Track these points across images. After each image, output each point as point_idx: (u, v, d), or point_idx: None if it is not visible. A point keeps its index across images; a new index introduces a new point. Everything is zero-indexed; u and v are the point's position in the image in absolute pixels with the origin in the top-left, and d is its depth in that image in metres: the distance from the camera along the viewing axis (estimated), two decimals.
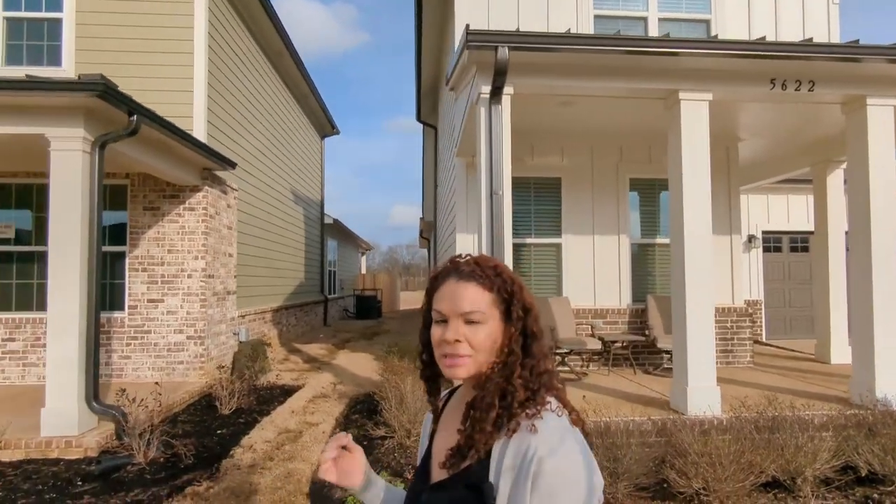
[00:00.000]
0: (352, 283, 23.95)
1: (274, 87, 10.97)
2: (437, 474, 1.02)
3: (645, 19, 7.50)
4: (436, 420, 1.15)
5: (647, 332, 6.89)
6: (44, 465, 4.36)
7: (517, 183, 7.20)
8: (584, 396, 4.97)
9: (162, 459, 4.47)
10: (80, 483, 4.06)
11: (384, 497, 1.18)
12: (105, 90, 4.36)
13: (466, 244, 7.10)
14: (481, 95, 4.53)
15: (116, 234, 7.19)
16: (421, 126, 15.12)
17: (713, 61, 4.58)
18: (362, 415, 5.82)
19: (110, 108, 4.70)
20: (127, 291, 7.14)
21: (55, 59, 7.22)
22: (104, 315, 7.03)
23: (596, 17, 7.41)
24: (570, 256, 7.29)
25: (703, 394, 4.54)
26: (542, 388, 0.97)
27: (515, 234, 7.14)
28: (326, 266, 16.98)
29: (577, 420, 0.96)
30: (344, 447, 1.13)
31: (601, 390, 5.62)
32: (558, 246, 7.34)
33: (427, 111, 14.40)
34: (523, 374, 0.96)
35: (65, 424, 4.60)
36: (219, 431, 5.37)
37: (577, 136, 7.24)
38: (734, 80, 4.76)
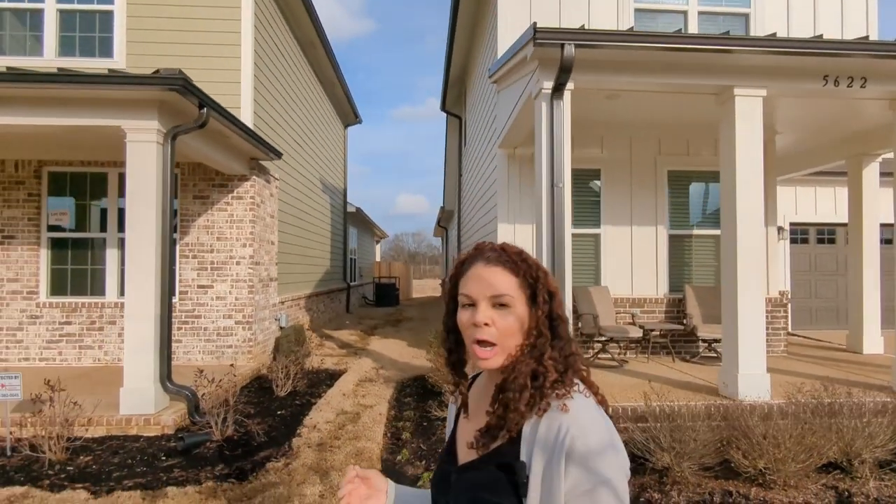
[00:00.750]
0: (368, 270, 24.19)
1: (305, 77, 11.11)
2: (465, 455, 1.03)
3: (685, 13, 7.57)
4: (463, 405, 1.14)
5: (684, 321, 7.06)
6: (126, 441, 4.60)
7: None
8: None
9: (236, 437, 4.71)
10: (163, 458, 4.30)
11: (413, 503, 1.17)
12: (184, 84, 4.53)
13: (507, 233, 7.27)
14: (543, 91, 4.67)
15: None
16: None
17: (770, 59, 4.70)
18: (413, 398, 6.04)
19: (182, 100, 4.87)
20: (178, 277, 7.35)
21: (107, 51, 7.39)
22: None
23: (636, 10, 7.49)
24: (608, 246, 7.45)
25: (754, 380, 4.72)
26: (570, 369, 0.99)
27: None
28: (349, 254, 17.20)
29: (601, 401, 0.99)
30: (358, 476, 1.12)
31: (647, 377, 5.80)
32: (597, 236, 7.49)
33: (451, 101, 14.50)
34: (553, 356, 0.98)
35: (142, 403, 4.83)
36: (279, 412, 5.60)
37: (616, 128, 7.36)
38: (788, 76, 4.87)
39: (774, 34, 5.01)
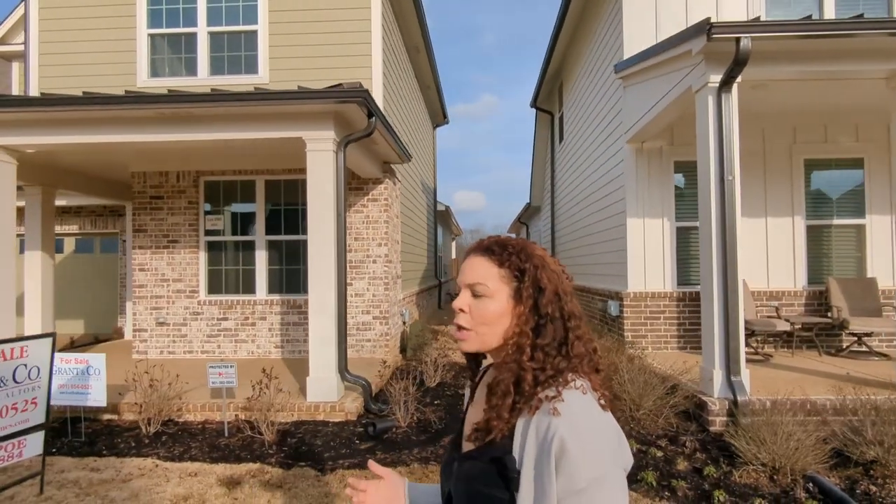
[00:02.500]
0: (448, 268, 24.58)
1: (409, 80, 11.50)
2: (466, 445, 1.05)
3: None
4: (472, 393, 1.17)
5: (829, 315, 6.84)
6: (317, 426, 5.03)
7: (686, 166, 7.35)
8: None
9: (415, 424, 5.05)
10: (357, 441, 4.68)
11: (434, 500, 1.19)
12: (365, 97, 4.90)
13: (636, 227, 7.30)
14: (709, 84, 4.71)
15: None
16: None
17: None
18: None
19: (354, 111, 5.26)
20: None
21: (252, 68, 7.99)
22: (301, 297, 7.83)
23: None
24: (742, 239, 7.29)
25: None
26: (566, 371, 0.96)
27: (686, 217, 7.30)
28: (438, 252, 17.60)
29: (606, 402, 0.96)
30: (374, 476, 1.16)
31: (804, 371, 5.70)
32: None
33: (543, 98, 14.55)
34: (535, 356, 0.96)
35: (326, 391, 5.27)
36: (435, 402, 5.92)
37: (749, 119, 7.20)
38: None
39: None
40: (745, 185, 7.24)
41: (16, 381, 3.38)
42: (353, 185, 7.83)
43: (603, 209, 8.64)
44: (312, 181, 5.34)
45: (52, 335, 3.65)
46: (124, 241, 10.90)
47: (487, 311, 0.99)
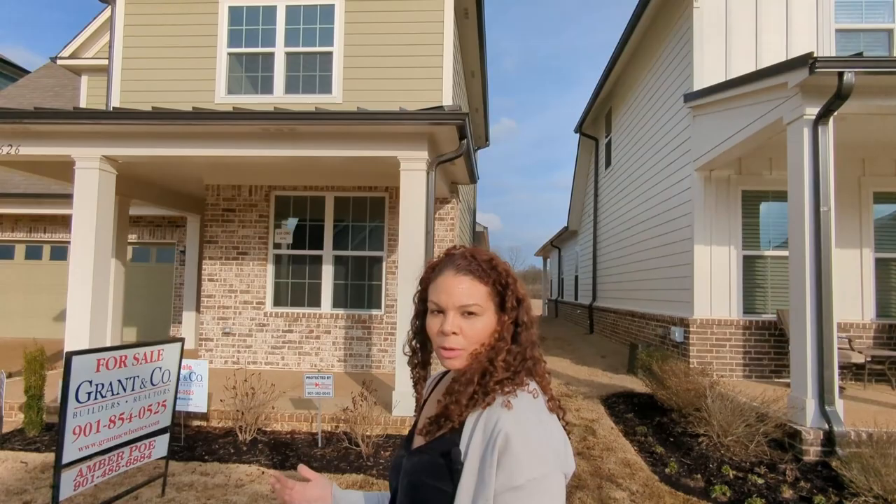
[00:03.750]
0: None
1: (464, 102, 11.73)
2: (418, 441, 1.08)
3: (890, 31, 7.40)
4: (420, 401, 1.22)
5: None
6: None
7: (753, 196, 7.40)
8: None
9: None
10: None
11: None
12: (465, 120, 5.07)
13: (703, 254, 7.33)
14: (804, 117, 4.79)
15: (376, 240, 8.11)
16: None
17: None
18: (633, 413, 6.18)
19: (446, 132, 5.42)
20: (384, 292, 8.01)
21: (327, 88, 8.26)
22: (365, 312, 7.96)
23: (837, 31, 7.42)
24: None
25: None
26: (524, 371, 1.01)
27: (753, 246, 7.33)
28: None
29: (554, 407, 1.01)
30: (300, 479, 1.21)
31: (883, 404, 5.66)
32: None
33: (588, 123, 14.73)
34: (507, 359, 1.00)
35: (409, 406, 5.35)
36: None
37: None
38: None
39: None
40: None
41: (152, 384, 3.52)
42: None
43: (662, 235, 8.69)
44: (405, 199, 5.50)
45: (182, 340, 3.80)
46: (182, 251, 11.17)
47: (479, 330, 1.02)
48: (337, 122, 5.24)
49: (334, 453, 4.68)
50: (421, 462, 1.01)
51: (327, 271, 8.10)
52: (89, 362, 2.97)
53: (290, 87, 8.33)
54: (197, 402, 4.72)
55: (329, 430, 5.25)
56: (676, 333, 7.60)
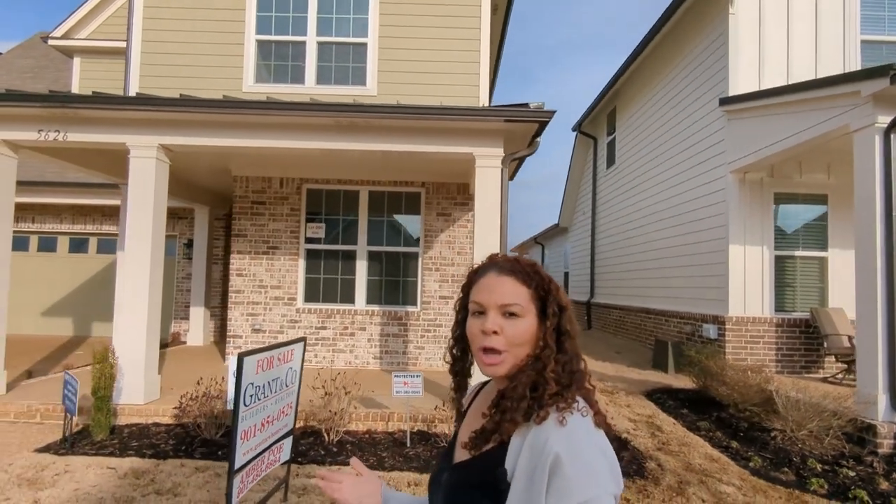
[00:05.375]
0: None
1: None
2: (460, 455, 1.05)
3: None
4: (464, 413, 1.18)
5: None
6: None
7: (784, 198, 7.69)
8: None
9: None
10: None
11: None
12: (549, 119, 5.05)
13: (738, 254, 7.57)
14: (876, 125, 5.01)
15: (412, 236, 8.00)
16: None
17: None
18: (688, 409, 6.33)
19: (523, 129, 5.39)
20: (420, 288, 7.92)
21: (360, 79, 8.07)
22: (401, 309, 7.85)
23: (863, 42, 7.78)
24: (835, 269, 7.67)
25: None
26: (574, 385, 0.98)
27: (785, 246, 7.62)
28: None
29: (601, 423, 0.97)
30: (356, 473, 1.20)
31: None
32: (823, 259, 7.73)
33: (588, 123, 14.95)
34: (556, 369, 0.98)
35: None
36: None
37: (845, 154, 7.61)
38: None
39: None
40: (839, 219, 7.64)
41: (286, 385, 3.37)
42: (458, 201, 7.94)
43: (688, 234, 8.90)
44: (480, 197, 5.44)
45: (304, 339, 3.65)
46: (186, 243, 10.72)
47: (521, 331, 1.00)
48: (416, 116, 5.13)
49: (426, 453, 4.60)
50: (464, 479, 0.99)
51: (361, 267, 7.93)
52: (252, 364, 2.82)
53: (323, 77, 8.09)
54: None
55: (402, 429, 5.14)
56: (711, 331, 7.83)
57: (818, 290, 7.74)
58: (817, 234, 7.76)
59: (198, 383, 4.80)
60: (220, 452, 4.39)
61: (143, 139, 5.30)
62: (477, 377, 1.18)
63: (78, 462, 4.15)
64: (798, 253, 7.71)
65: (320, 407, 4.71)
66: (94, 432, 4.61)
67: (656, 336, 9.78)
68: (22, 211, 10.71)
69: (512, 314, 1.00)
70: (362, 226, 7.98)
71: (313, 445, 4.64)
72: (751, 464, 4.65)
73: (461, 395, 1.19)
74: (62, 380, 4.60)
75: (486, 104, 7.96)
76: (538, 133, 5.50)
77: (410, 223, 8.03)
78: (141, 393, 5.17)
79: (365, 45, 8.05)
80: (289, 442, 3.54)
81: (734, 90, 7.65)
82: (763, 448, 5.01)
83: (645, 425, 5.77)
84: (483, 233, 5.41)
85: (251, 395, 2.81)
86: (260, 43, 8.07)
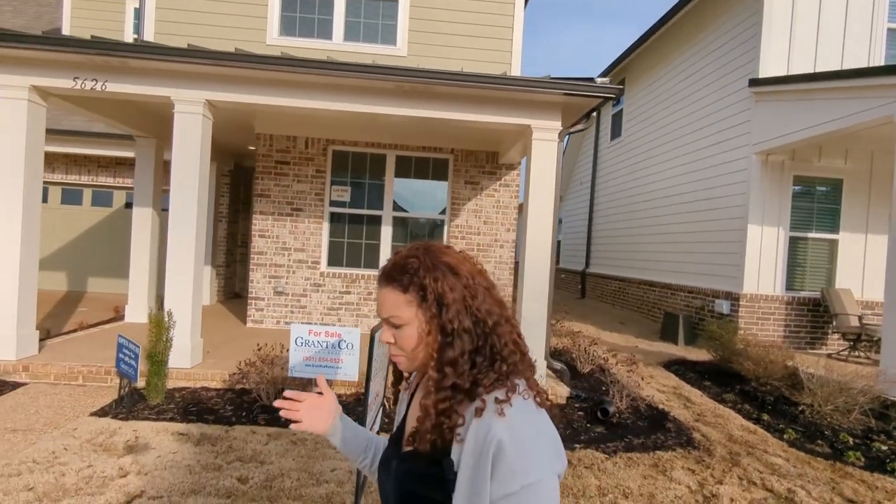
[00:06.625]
0: None
1: None
2: (407, 444, 1.05)
3: None
4: (412, 392, 1.19)
5: None
6: None
7: (803, 181, 7.92)
8: None
9: (625, 409, 5.32)
10: (588, 424, 4.91)
11: (347, 437, 1.28)
12: (615, 94, 5.02)
13: (756, 233, 7.81)
14: None
15: (439, 203, 7.93)
16: None
17: None
18: (710, 381, 6.60)
19: (581, 103, 5.35)
20: None
21: (390, 39, 7.81)
22: None
23: (889, 30, 7.92)
24: (844, 251, 8.01)
25: None
26: (510, 373, 0.97)
27: (799, 227, 7.89)
28: None
29: (543, 402, 0.97)
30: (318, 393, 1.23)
31: None
32: (833, 241, 8.05)
33: None
34: (445, 372, 0.96)
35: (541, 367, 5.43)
36: (602, 388, 6.20)
37: (862, 141, 7.85)
38: None
39: None
40: (851, 203, 7.92)
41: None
42: (487, 170, 7.88)
43: (704, 211, 9.07)
44: (535, 169, 5.41)
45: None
46: None
47: (409, 338, 1.00)
48: (481, 85, 5.01)
49: None
50: (412, 470, 1.00)
51: (386, 232, 7.86)
52: (378, 338, 2.81)
53: (350, 33, 7.80)
54: (347, 370, 4.55)
55: None
56: (723, 306, 8.12)
57: (826, 271, 8.08)
58: (830, 217, 8.05)
59: (259, 349, 4.74)
60: (283, 420, 4.39)
61: (190, 93, 5.05)
62: None
63: (144, 427, 4.09)
64: (811, 235, 8.00)
65: None
66: (149, 396, 4.54)
67: (663, 309, 10.08)
68: None
69: (396, 325, 1.01)
70: (388, 190, 7.86)
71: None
72: (785, 436, 4.92)
73: (395, 387, 1.21)
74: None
75: (519, 71, 7.85)
76: (596, 108, 5.46)
77: (437, 190, 7.96)
78: (188, 356, 5.09)
79: (396, 2, 7.76)
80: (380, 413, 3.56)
81: (764, 72, 7.72)
82: (793, 421, 5.30)
83: (675, 396, 6.02)
84: (536, 208, 5.40)
85: (375, 368, 2.81)
86: None
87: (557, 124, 5.38)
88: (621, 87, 5.08)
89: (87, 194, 10.98)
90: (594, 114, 5.53)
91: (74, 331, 6.74)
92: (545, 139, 5.39)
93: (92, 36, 4.75)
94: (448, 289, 0.98)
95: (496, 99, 5.29)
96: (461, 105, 5.28)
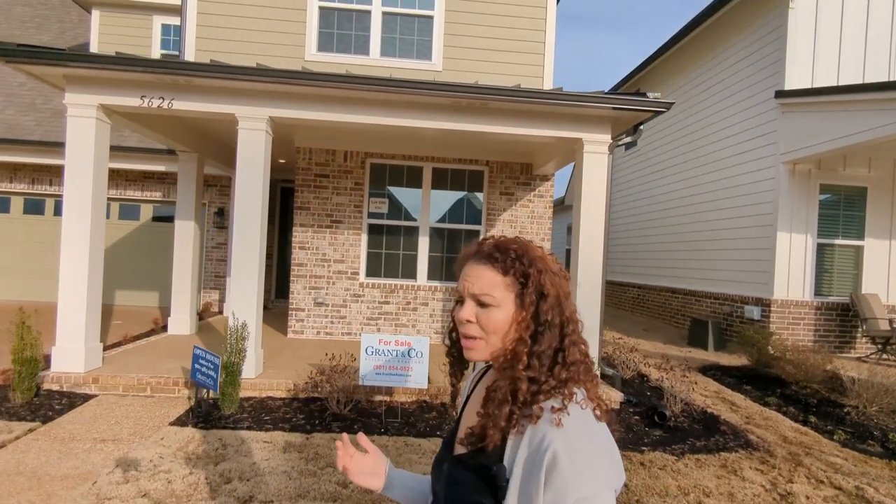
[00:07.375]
0: None
1: None
2: (458, 447, 1.04)
3: None
4: (454, 397, 1.20)
5: None
6: None
7: (829, 189, 8.13)
8: None
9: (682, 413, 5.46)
10: (647, 428, 5.04)
11: (411, 486, 1.24)
12: (667, 108, 5.21)
13: (784, 241, 8.00)
14: None
15: (474, 214, 8.10)
16: None
17: None
18: (749, 385, 6.75)
19: (629, 117, 5.54)
20: None
21: (425, 54, 8.00)
22: None
23: None
24: (870, 257, 8.22)
25: None
26: (568, 380, 0.94)
27: (827, 234, 8.09)
28: None
29: (602, 415, 0.94)
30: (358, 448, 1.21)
31: None
32: (859, 248, 8.26)
33: None
34: (532, 364, 0.94)
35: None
36: (647, 392, 6.34)
37: (884, 150, 8.07)
38: None
39: None
40: (876, 211, 8.13)
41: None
42: (521, 181, 8.06)
43: (731, 219, 9.23)
44: (586, 183, 5.58)
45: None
46: (217, 212, 10.51)
47: (496, 321, 0.98)
48: (535, 100, 5.18)
49: None
50: (463, 475, 0.98)
51: (423, 243, 8.01)
52: None
53: (387, 49, 7.98)
54: (417, 378, 4.69)
55: None
56: (754, 312, 8.29)
57: (852, 277, 8.28)
58: (856, 224, 8.26)
59: (330, 358, 4.87)
60: (355, 426, 4.51)
61: (254, 111, 5.20)
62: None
63: (227, 436, 4.20)
64: (837, 241, 8.20)
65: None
66: (223, 406, 4.65)
67: (688, 315, 10.24)
68: (14, 171, 10.30)
69: (485, 304, 0.98)
70: (425, 202, 8.02)
71: (431, 420, 4.80)
72: (835, 437, 5.07)
73: (456, 379, 1.18)
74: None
75: (551, 83, 8.05)
76: (644, 121, 5.65)
77: (473, 201, 8.12)
78: (252, 367, 5.20)
79: (431, 17, 7.97)
80: None
81: (789, 84, 7.95)
82: (840, 422, 5.45)
83: (719, 400, 6.16)
84: (587, 221, 5.57)
85: None
86: (323, 10, 7.86)
87: (608, 137, 5.56)
88: (672, 101, 5.22)
89: (115, 208, 11.06)
90: (641, 126, 5.71)
91: (120, 343, 6.82)
92: (596, 151, 5.57)
93: (162, 55, 4.88)
94: (549, 283, 0.98)
95: (548, 114, 5.47)
96: (514, 119, 5.46)
